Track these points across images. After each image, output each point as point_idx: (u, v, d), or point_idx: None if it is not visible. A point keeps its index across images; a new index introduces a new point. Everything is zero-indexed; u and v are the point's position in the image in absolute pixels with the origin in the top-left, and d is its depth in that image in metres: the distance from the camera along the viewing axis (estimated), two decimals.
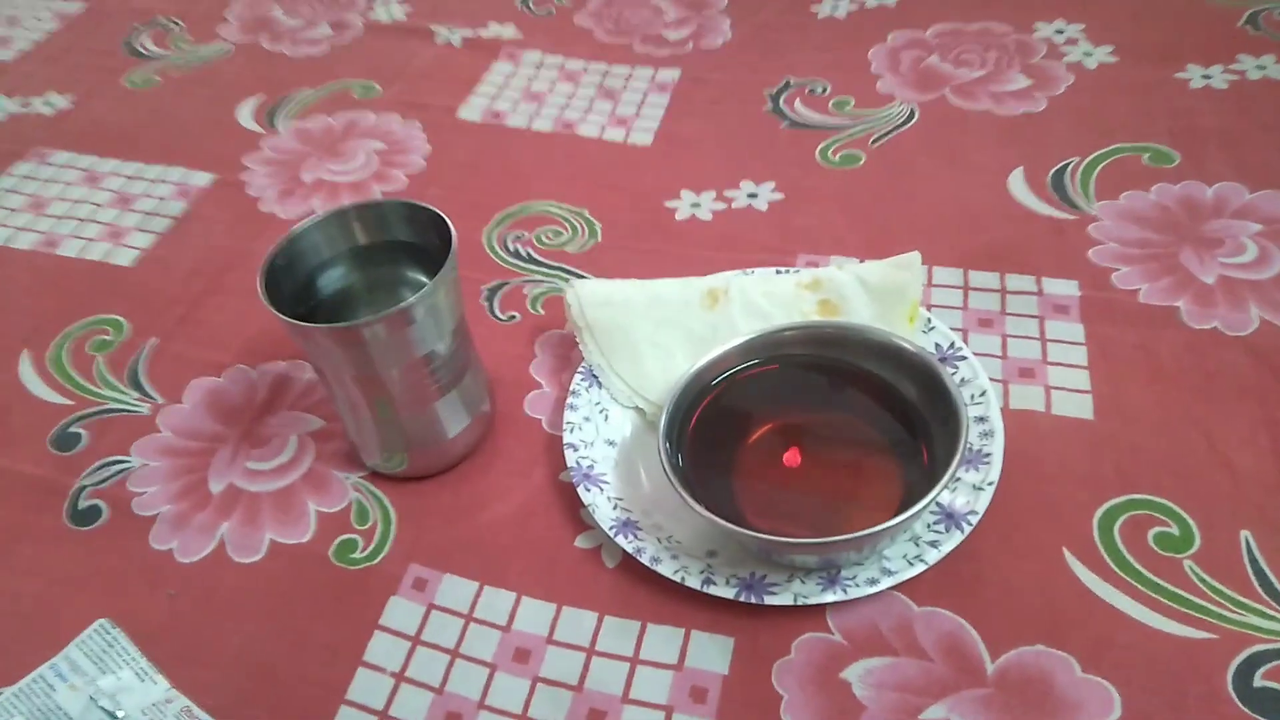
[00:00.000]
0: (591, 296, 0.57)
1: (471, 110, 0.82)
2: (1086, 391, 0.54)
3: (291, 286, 0.49)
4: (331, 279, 0.52)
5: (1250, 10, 0.81)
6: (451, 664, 0.46)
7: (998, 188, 0.68)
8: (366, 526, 0.52)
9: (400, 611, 0.48)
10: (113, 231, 0.74)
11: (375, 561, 0.51)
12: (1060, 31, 0.82)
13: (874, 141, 0.74)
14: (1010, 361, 0.56)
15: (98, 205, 0.76)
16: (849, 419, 0.51)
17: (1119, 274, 0.61)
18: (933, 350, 0.55)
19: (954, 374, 0.53)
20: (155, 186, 0.78)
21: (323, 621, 0.49)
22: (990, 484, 0.48)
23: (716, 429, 0.51)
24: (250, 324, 0.64)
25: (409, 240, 0.51)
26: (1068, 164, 0.69)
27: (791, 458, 0.50)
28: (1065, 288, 0.60)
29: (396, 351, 0.47)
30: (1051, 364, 0.56)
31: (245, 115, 0.85)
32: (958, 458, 0.43)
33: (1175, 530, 0.47)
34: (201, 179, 0.78)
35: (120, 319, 0.66)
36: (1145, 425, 0.52)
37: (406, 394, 0.50)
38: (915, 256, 0.57)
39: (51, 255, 0.72)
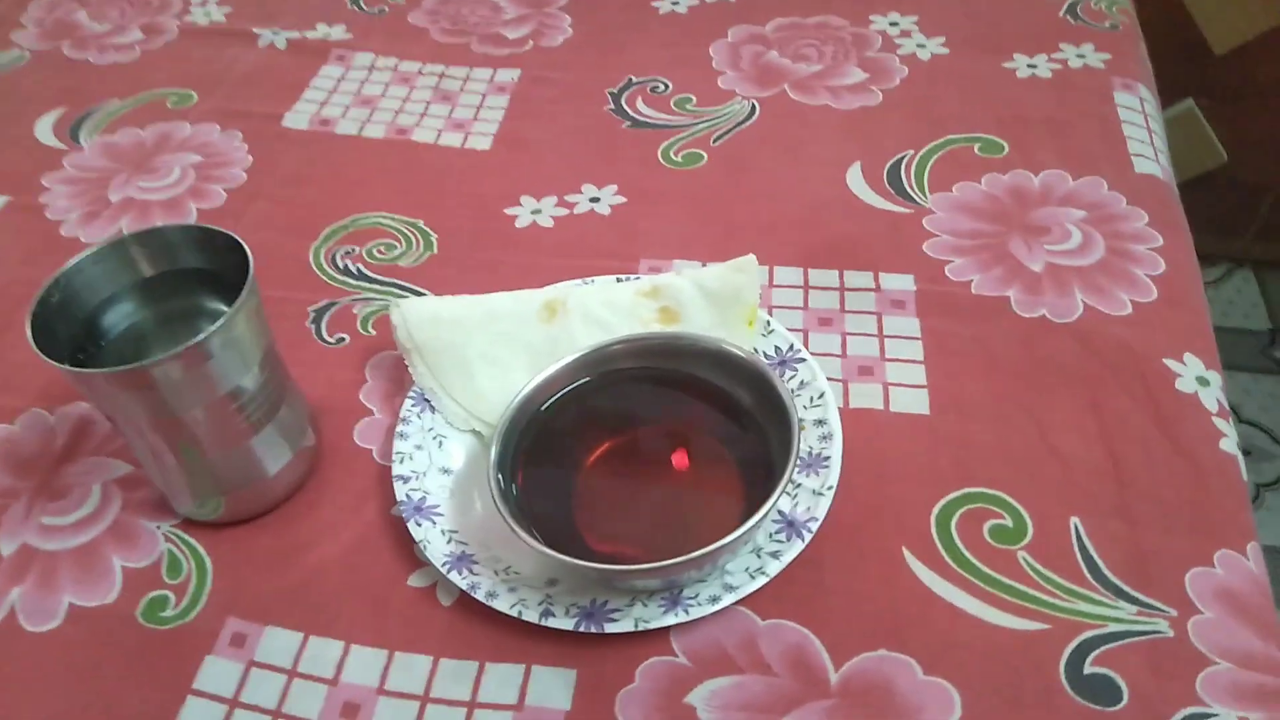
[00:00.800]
0: (418, 316, 0.54)
1: (298, 118, 0.77)
2: (923, 386, 0.54)
3: (70, 328, 0.45)
4: (117, 316, 0.47)
5: (1069, 1, 0.84)
6: None
7: (837, 183, 0.68)
8: (179, 580, 0.48)
9: (216, 672, 0.44)
10: None
11: (189, 619, 0.47)
12: (895, 24, 0.83)
13: (716, 139, 0.73)
14: (850, 360, 0.56)
15: None
16: (687, 431, 0.50)
17: (953, 266, 0.61)
18: (773, 354, 0.54)
19: (793, 377, 0.53)
20: None
21: (131, 689, 0.44)
22: (829, 488, 0.47)
23: (552, 452, 0.49)
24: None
25: (204, 267, 0.47)
26: (903, 157, 0.70)
27: (630, 477, 0.48)
28: (902, 282, 0.60)
29: (195, 391, 0.43)
30: (890, 360, 0.56)
31: (44, 130, 0.77)
32: (791, 464, 0.42)
33: (1009, 522, 0.48)
34: None
35: None
36: (980, 417, 0.53)
37: (214, 435, 0.46)
38: (751, 259, 0.56)
39: None
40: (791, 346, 0.54)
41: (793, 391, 0.50)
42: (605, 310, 0.56)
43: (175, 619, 0.46)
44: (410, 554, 0.48)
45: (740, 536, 0.41)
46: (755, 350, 0.55)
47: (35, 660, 0.46)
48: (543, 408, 0.49)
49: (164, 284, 0.48)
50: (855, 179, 0.68)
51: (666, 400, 0.50)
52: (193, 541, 0.50)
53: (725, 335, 0.54)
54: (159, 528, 0.50)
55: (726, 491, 0.47)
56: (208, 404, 0.44)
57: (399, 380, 0.57)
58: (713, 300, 0.55)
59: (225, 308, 0.47)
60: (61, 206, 0.70)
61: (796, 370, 0.53)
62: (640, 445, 0.50)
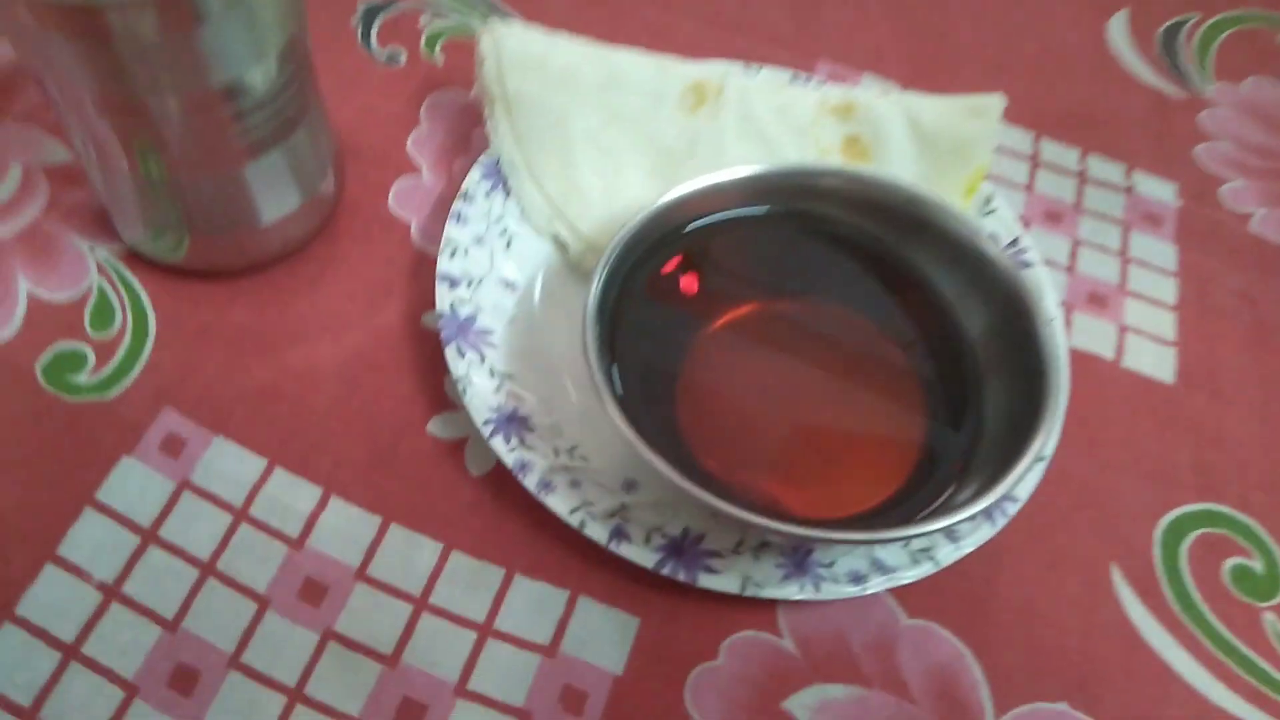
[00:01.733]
0: (518, 53, 0.37)
1: None
2: (1170, 344, 0.39)
3: None
4: None
5: None
6: (199, 585, 0.29)
7: (1094, 31, 0.50)
8: (106, 335, 0.33)
9: (133, 483, 0.31)
10: None
11: (108, 395, 0.32)
12: None
13: None
14: (1078, 280, 0.41)
15: None
16: (866, 328, 0.34)
17: (1230, 187, 0.45)
18: None
19: None
20: None
21: (7, 479, 0.31)
22: (1042, 459, 0.33)
23: (672, 303, 0.34)
24: None
25: None
26: (1185, 20, 0.51)
27: (768, 365, 0.34)
28: (1161, 190, 0.44)
29: (174, 68, 0.27)
30: (1131, 295, 0.40)
31: None
32: (1043, 428, 0.28)
33: (1259, 565, 0.34)
34: None
35: None
36: (1239, 407, 0.38)
37: (190, 144, 0.30)
38: (995, 103, 0.39)
39: None
40: (1016, 241, 0.38)
41: None
42: (772, 117, 0.39)
43: (90, 390, 0.32)
44: (438, 387, 0.34)
45: (928, 533, 0.27)
46: None
47: None
48: (684, 230, 0.33)
49: None
50: (1118, 32, 0.50)
51: (855, 276, 0.35)
52: (135, 284, 0.35)
53: None
54: (92, 250, 0.35)
55: (900, 426, 0.32)
56: (189, 94, 0.28)
57: (463, 134, 0.40)
58: (926, 145, 0.39)
59: None
60: None
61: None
62: (794, 324, 0.34)
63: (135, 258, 0.35)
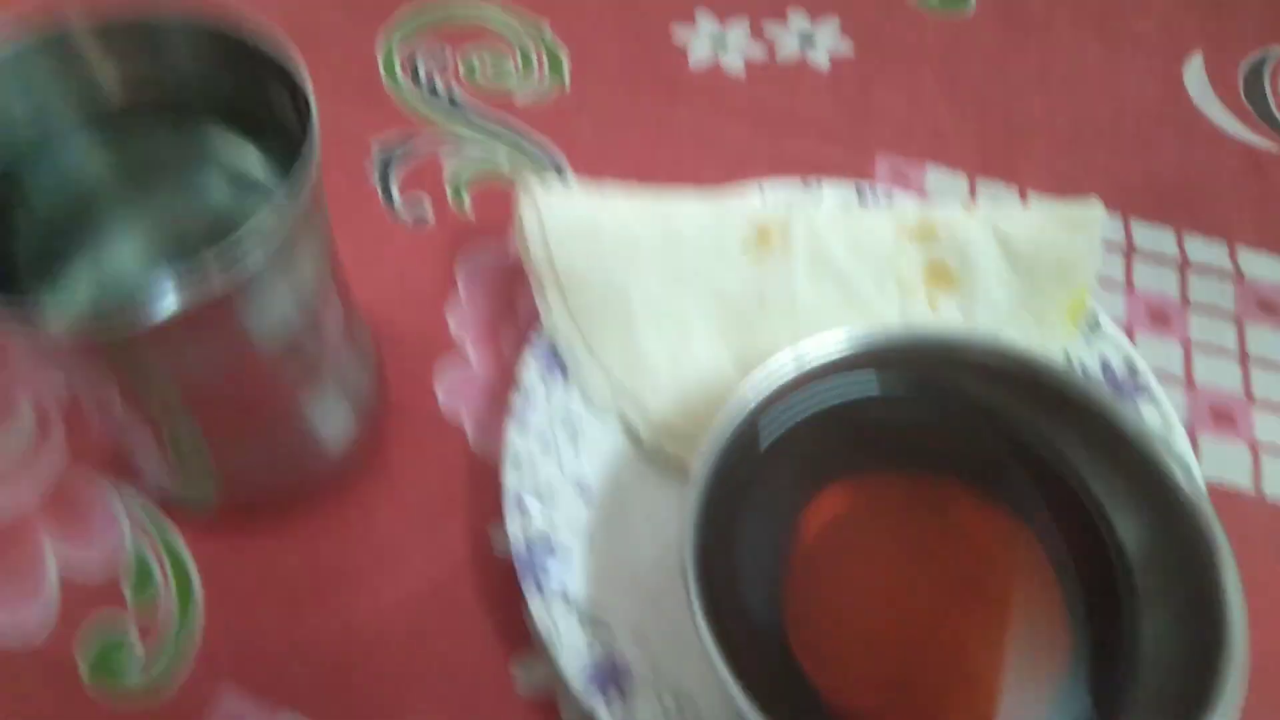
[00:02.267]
0: (566, 221, 0.33)
1: None
2: None
3: None
4: (51, 161, 0.26)
5: None
6: None
7: (1169, 80, 0.46)
8: (149, 602, 0.30)
9: None
10: None
11: (161, 694, 0.29)
12: None
13: None
14: (1198, 394, 0.37)
15: None
16: (999, 524, 0.31)
17: None
18: (1097, 371, 0.35)
19: None
20: None
21: None
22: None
23: (778, 501, 0.30)
24: None
25: (212, 91, 0.26)
26: (1266, 56, 0.47)
27: (881, 564, 0.30)
28: (1272, 269, 0.40)
29: (211, 352, 0.24)
30: (1259, 403, 0.37)
31: None
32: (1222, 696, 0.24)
33: None
34: None
35: None
36: None
37: (224, 410, 0.27)
38: (1095, 210, 0.35)
39: None
40: (1133, 367, 0.34)
41: None
42: (847, 252, 0.35)
43: (141, 692, 0.29)
44: (517, 619, 0.31)
45: None
46: (1067, 359, 0.35)
47: None
48: (759, 430, 0.30)
49: (144, 114, 0.26)
50: (1196, 79, 0.46)
51: (977, 455, 0.31)
52: (173, 536, 0.31)
53: (1030, 325, 0.35)
54: (121, 496, 0.32)
55: (1043, 637, 0.29)
56: (225, 367, 0.25)
57: (506, 299, 0.37)
58: (1021, 267, 0.35)
59: (242, 150, 0.27)
60: None
61: (1135, 407, 0.34)
62: (912, 517, 0.31)
63: (170, 508, 0.32)
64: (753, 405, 0.28)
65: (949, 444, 0.31)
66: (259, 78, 0.24)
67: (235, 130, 0.28)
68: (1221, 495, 0.34)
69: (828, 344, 0.29)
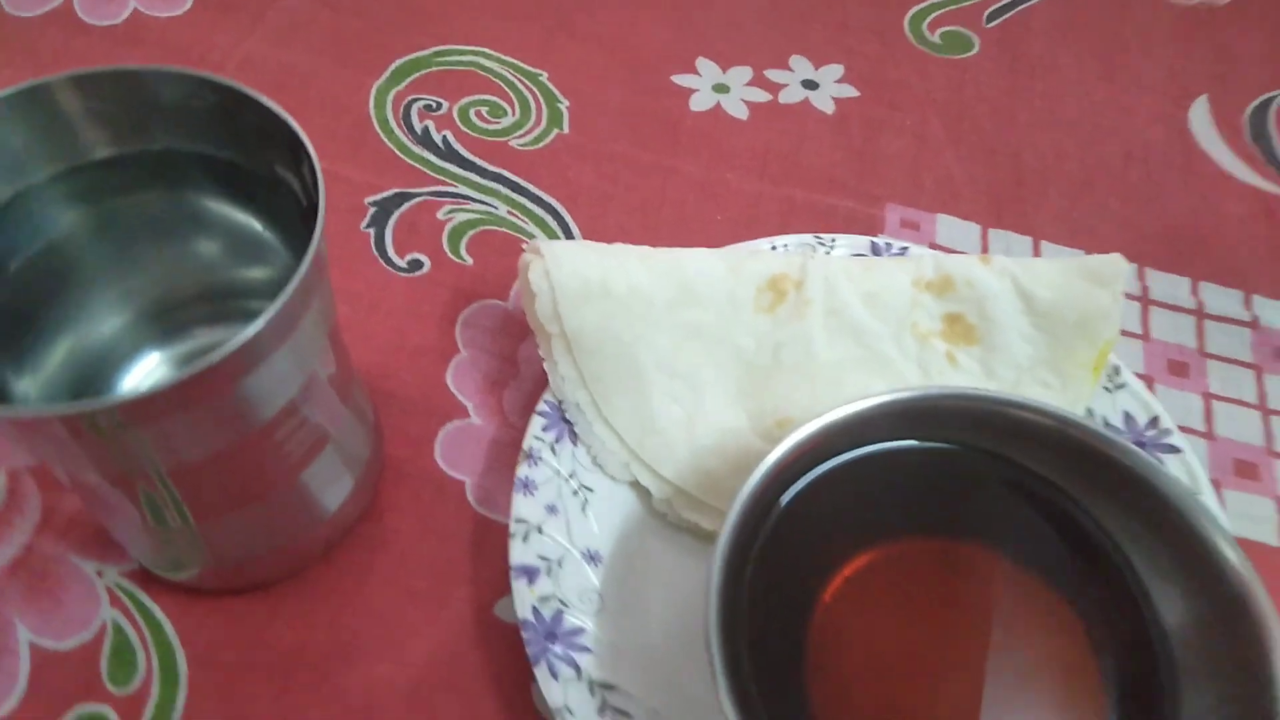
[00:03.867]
0: (576, 281, 0.32)
1: None
2: None
3: None
4: (26, 229, 0.24)
5: None
6: None
7: (1175, 124, 0.45)
8: (130, 688, 0.28)
9: None
10: None
11: None
12: None
13: (990, 17, 0.48)
14: (1219, 445, 0.36)
15: None
16: (1036, 596, 0.29)
17: None
18: (1120, 425, 0.34)
19: None
20: None
21: None
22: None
23: (790, 574, 0.29)
24: None
25: (202, 151, 0.24)
26: (1273, 98, 0.47)
27: (903, 631, 0.29)
28: None
29: (202, 429, 0.22)
30: None
31: None
32: None
33: None
34: None
35: None
36: None
37: (217, 487, 0.25)
38: (1119, 265, 0.34)
39: None
40: (1156, 421, 0.33)
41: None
42: (863, 306, 0.34)
43: None
44: (526, 695, 0.29)
45: None
46: (1090, 414, 0.34)
47: None
48: (782, 502, 0.28)
49: (121, 168, 0.25)
50: (1201, 122, 0.45)
51: (1011, 524, 0.30)
52: (156, 613, 0.29)
53: (1052, 381, 0.34)
54: (100, 574, 0.30)
55: (1076, 689, 0.27)
56: (216, 443, 0.23)
57: (508, 355, 0.35)
58: (1043, 322, 0.34)
59: (233, 210, 0.26)
60: None
61: (1161, 463, 0.33)
62: (940, 583, 0.29)
63: (150, 576, 0.30)
64: (773, 470, 0.27)
65: (978, 508, 0.30)
66: (252, 132, 0.23)
67: (225, 186, 0.26)
68: (1245, 548, 0.33)
69: (854, 409, 0.28)
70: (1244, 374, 0.38)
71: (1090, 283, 0.34)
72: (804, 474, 0.29)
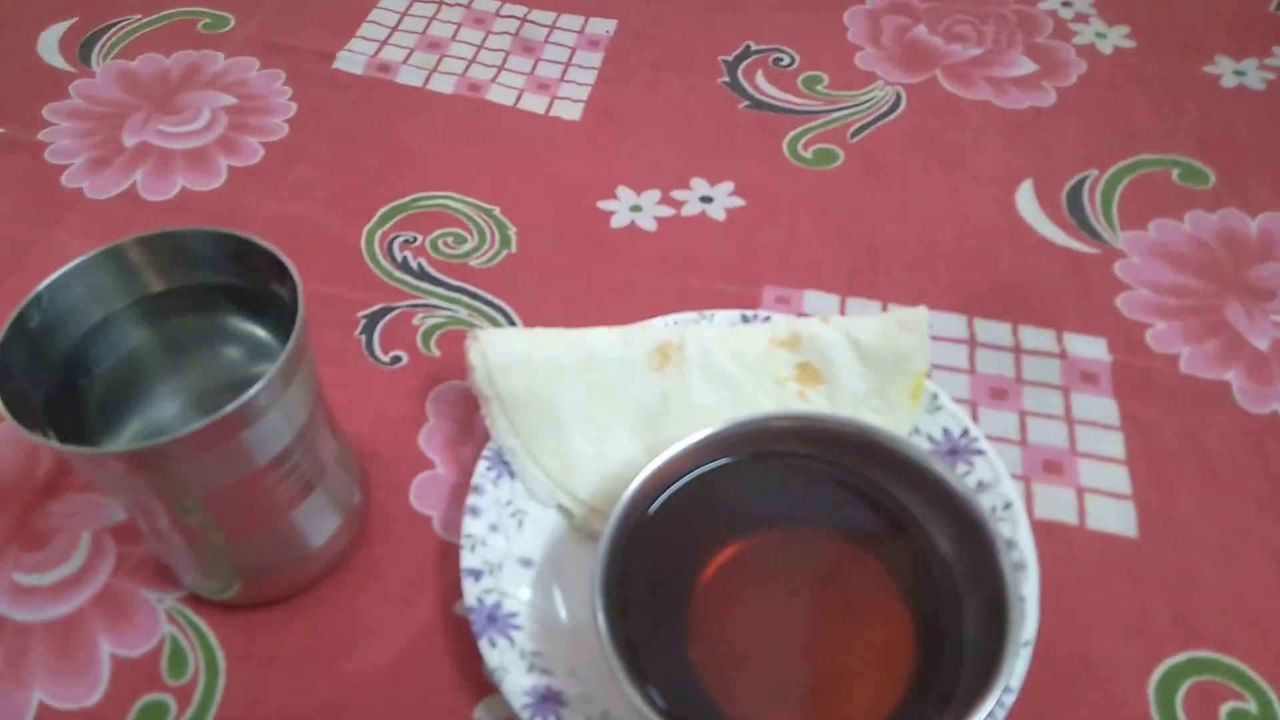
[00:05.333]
0: (504, 356, 0.42)
1: (352, 59, 0.65)
2: (1127, 497, 0.43)
3: (48, 356, 0.34)
4: (109, 344, 0.36)
5: None
6: None
7: (1004, 205, 0.56)
8: (183, 680, 0.38)
9: None
10: None
11: None
12: (1068, 3, 0.70)
13: (853, 134, 0.60)
14: (1031, 450, 0.45)
15: None
16: (851, 554, 0.38)
17: (1154, 332, 0.49)
18: (940, 438, 0.43)
19: (967, 473, 0.41)
20: None
21: None
22: (1027, 644, 0.36)
23: (671, 557, 0.38)
24: None
25: (227, 282, 0.36)
26: (1085, 177, 0.57)
27: (763, 601, 0.38)
28: (1092, 348, 0.49)
29: (221, 466, 0.32)
30: (1083, 455, 0.45)
31: (49, 45, 0.65)
32: (997, 684, 0.31)
33: (1252, 706, 0.37)
34: None
35: None
36: (1202, 549, 0.42)
37: (239, 513, 0.35)
38: (922, 314, 0.44)
39: None
40: (966, 432, 0.43)
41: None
42: (730, 361, 0.44)
43: None
44: (477, 672, 0.38)
45: None
46: (916, 430, 0.43)
47: None
48: (654, 505, 0.38)
49: (175, 300, 0.36)
50: (1027, 201, 0.56)
51: (828, 505, 0.39)
52: (202, 626, 0.39)
53: (881, 407, 0.44)
54: (160, 601, 0.40)
55: (892, 636, 0.36)
56: (238, 480, 0.33)
57: (466, 422, 0.46)
58: (869, 362, 0.44)
59: (251, 325, 0.37)
60: (65, 148, 0.58)
61: (972, 465, 0.42)
62: (780, 557, 0.39)
63: (199, 600, 0.40)
64: (643, 481, 0.37)
65: (810, 501, 0.39)
66: (262, 271, 0.34)
67: (245, 310, 0.37)
68: (1054, 528, 0.42)
69: (707, 432, 0.38)
70: (1053, 394, 0.47)
71: (901, 328, 0.44)
72: (670, 485, 0.38)
